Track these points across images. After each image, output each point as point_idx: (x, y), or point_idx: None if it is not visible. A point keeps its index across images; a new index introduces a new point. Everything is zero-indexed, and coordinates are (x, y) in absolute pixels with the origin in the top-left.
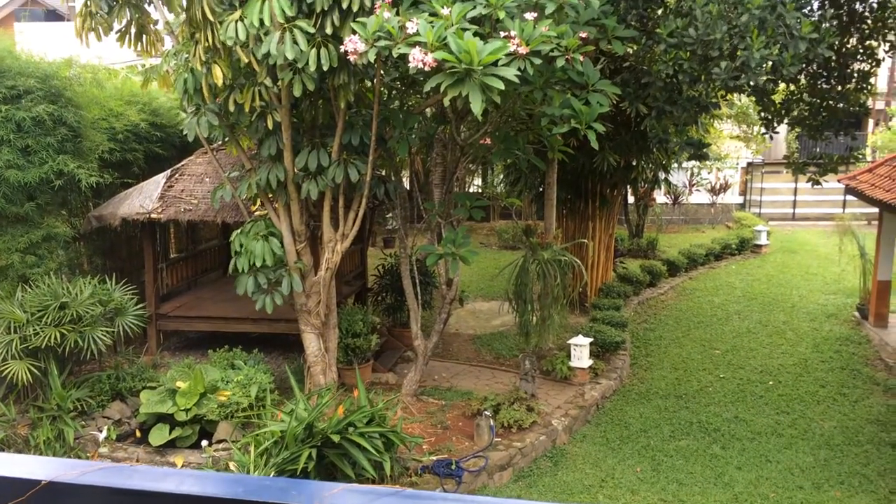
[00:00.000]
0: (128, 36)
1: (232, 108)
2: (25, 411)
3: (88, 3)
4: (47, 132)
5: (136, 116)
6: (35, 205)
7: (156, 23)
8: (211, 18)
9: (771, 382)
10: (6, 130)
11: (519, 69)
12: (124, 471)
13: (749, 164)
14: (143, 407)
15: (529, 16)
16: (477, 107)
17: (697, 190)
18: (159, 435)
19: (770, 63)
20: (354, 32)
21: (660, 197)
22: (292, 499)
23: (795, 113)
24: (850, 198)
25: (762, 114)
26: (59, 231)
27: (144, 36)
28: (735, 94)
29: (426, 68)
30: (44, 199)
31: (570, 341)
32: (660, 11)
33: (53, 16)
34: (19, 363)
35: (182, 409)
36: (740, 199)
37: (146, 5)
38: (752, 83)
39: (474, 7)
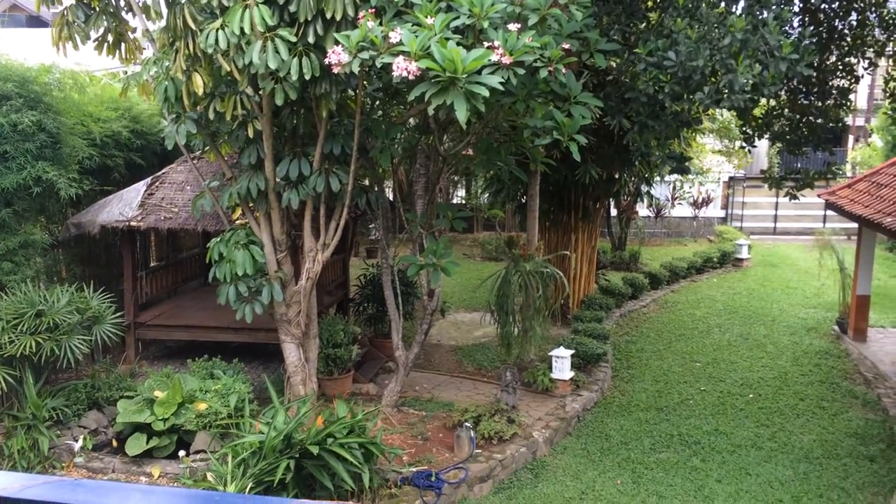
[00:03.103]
0: (106, 44)
1: (213, 116)
2: (0, 420)
3: (65, 12)
4: (26, 138)
5: (116, 123)
6: (12, 211)
7: (134, 30)
8: (192, 26)
9: (751, 395)
10: None
11: (503, 79)
12: (68, 485)
13: (731, 178)
14: (120, 416)
15: (513, 27)
16: (462, 115)
17: (680, 203)
18: (136, 445)
19: (751, 82)
20: (338, 43)
21: (642, 210)
22: None
23: (776, 128)
24: (830, 213)
25: (743, 128)
26: (36, 238)
27: (123, 44)
28: (717, 110)
29: (410, 77)
30: (21, 205)
31: (552, 353)
32: (643, 26)
33: (36, 21)
34: None
35: (160, 419)
36: (722, 213)
37: (124, 13)
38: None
39: (458, 17)
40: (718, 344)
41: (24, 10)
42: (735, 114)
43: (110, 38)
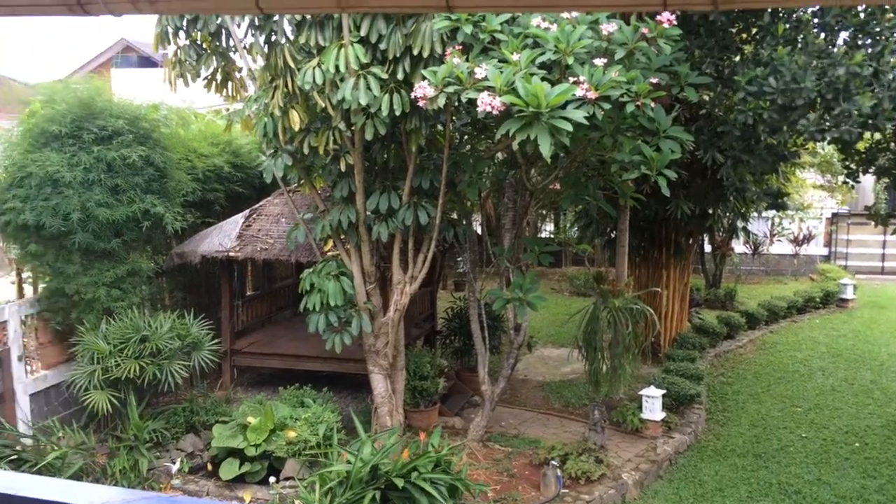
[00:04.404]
0: (214, 82)
1: (307, 150)
2: (104, 440)
3: (178, 51)
4: (136, 172)
5: (218, 158)
6: (121, 241)
7: (240, 70)
8: (291, 65)
9: (857, 444)
10: (97, 171)
11: (588, 113)
12: (165, 501)
13: (834, 214)
14: (215, 441)
15: (599, 61)
16: (546, 149)
17: (779, 240)
18: (229, 469)
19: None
20: (424, 78)
21: (738, 246)
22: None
23: (880, 162)
24: None
25: (845, 163)
26: (142, 266)
27: (230, 82)
28: (818, 143)
29: (494, 112)
30: (130, 235)
31: (642, 392)
32: (737, 59)
33: (147, 62)
34: (101, 393)
35: (252, 445)
36: (825, 251)
37: (231, 54)
38: (836, 136)
39: (543, 53)
40: (821, 388)
41: (137, 50)
42: (837, 148)
43: (218, 76)
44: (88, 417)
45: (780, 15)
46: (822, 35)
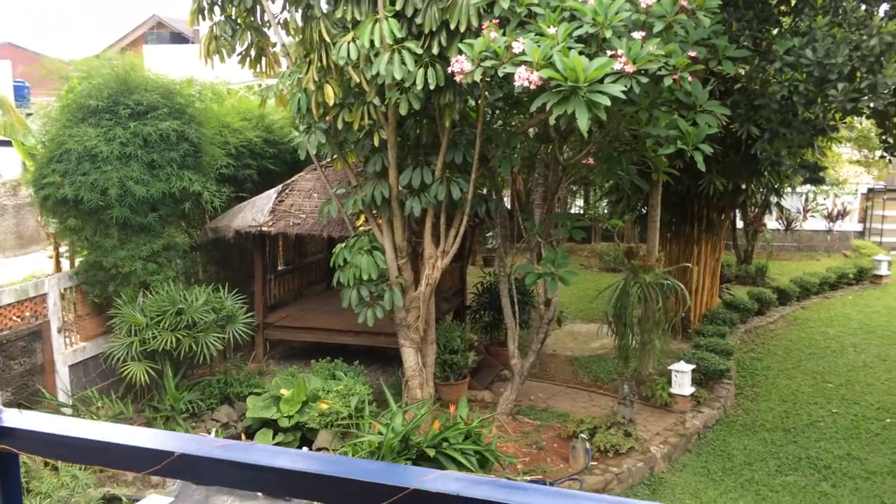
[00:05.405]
0: (248, 58)
1: (341, 126)
2: (141, 411)
3: (214, 27)
4: (171, 147)
5: (250, 133)
6: (157, 216)
7: (274, 45)
8: (326, 39)
9: (889, 420)
10: (134, 146)
11: (625, 87)
12: (244, 447)
13: (870, 189)
14: (249, 412)
15: (637, 35)
16: (583, 124)
17: (812, 216)
18: (263, 439)
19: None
20: (461, 53)
21: (771, 222)
22: (393, 481)
23: None
24: None
25: (883, 137)
26: (178, 241)
27: (264, 58)
28: (855, 117)
29: (531, 87)
30: (165, 210)
31: (672, 367)
32: (775, 31)
33: (178, 38)
34: (138, 365)
35: (285, 416)
36: (859, 227)
37: (266, 29)
38: (871, 106)
39: (581, 26)
40: (853, 364)
41: (169, 27)
42: (874, 122)
43: (253, 52)
44: (126, 388)
45: None
46: (863, 7)
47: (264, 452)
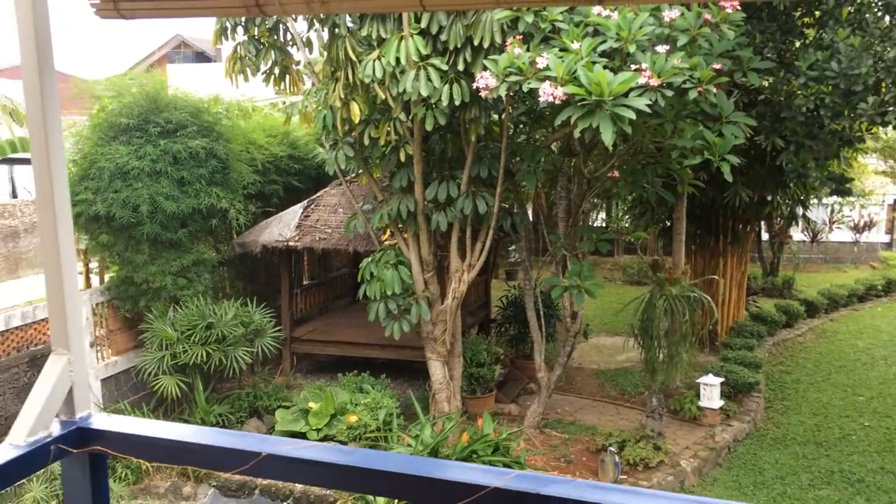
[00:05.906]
0: (272, 76)
1: (367, 141)
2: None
3: (238, 47)
4: (200, 164)
5: (276, 148)
6: (187, 232)
7: (298, 63)
8: (352, 57)
9: None
10: (164, 163)
11: (650, 100)
12: (328, 448)
13: None
14: (278, 425)
15: (661, 48)
16: (608, 137)
17: (839, 227)
18: None
19: None
20: (486, 69)
21: (797, 234)
22: (473, 479)
23: None
24: None
25: None
26: (206, 256)
27: (287, 76)
28: (881, 128)
29: (556, 102)
30: (194, 226)
31: (700, 380)
32: (798, 44)
33: (202, 57)
34: (169, 378)
35: (314, 429)
36: (887, 238)
37: (290, 48)
38: None
39: (605, 41)
40: (884, 377)
41: (192, 46)
42: None
43: (276, 70)
44: (157, 402)
45: None
46: (888, 18)
47: (345, 453)
